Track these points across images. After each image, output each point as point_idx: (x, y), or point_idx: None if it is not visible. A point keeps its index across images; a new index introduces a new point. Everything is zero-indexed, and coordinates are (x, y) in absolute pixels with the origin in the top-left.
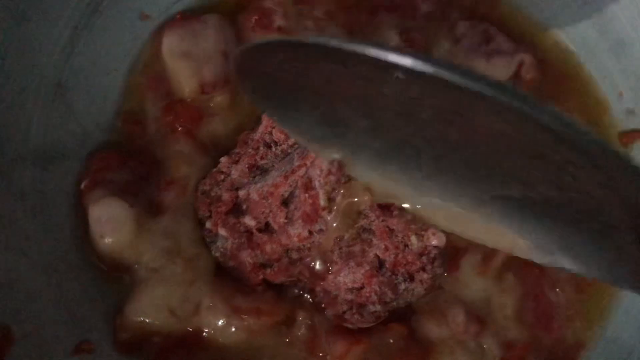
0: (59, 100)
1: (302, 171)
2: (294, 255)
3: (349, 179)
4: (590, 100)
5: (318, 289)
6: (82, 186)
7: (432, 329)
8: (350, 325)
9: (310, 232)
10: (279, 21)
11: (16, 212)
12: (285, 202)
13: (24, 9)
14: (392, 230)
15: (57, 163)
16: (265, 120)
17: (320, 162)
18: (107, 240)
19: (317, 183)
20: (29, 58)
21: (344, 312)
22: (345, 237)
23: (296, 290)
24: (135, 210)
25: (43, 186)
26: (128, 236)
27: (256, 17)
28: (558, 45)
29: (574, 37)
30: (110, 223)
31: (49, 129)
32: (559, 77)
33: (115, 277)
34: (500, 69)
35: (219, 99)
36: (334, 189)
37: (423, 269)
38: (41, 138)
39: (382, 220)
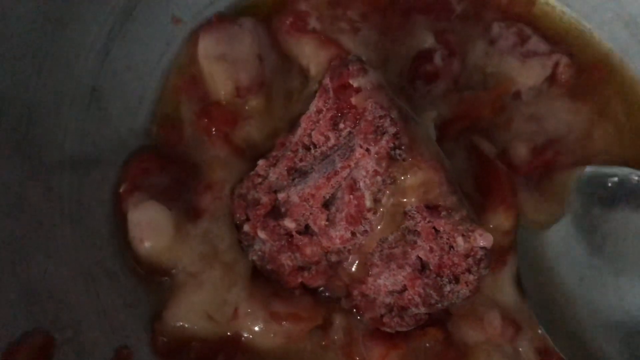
0: (94, 105)
1: (345, 172)
2: (333, 258)
3: (395, 180)
4: (632, 99)
5: (355, 292)
6: (121, 190)
7: (469, 333)
8: (388, 329)
9: (353, 234)
10: (313, 23)
11: (55, 218)
12: (327, 204)
13: (61, 15)
14: (438, 232)
15: (94, 169)
16: (305, 122)
17: (366, 162)
18: (147, 244)
19: (362, 184)
20: (65, 63)
21: (382, 316)
22: (389, 239)
23: (333, 294)
24: (174, 214)
25: (80, 192)
26: (167, 240)
27: (291, 20)
28: (595, 45)
29: (612, 36)
30: (150, 227)
31: (84, 135)
32: (596, 77)
33: (154, 282)
34: (536, 70)
35: (254, 102)
36: (380, 190)
37: (469, 271)
38: (78, 144)
39: (429, 222)
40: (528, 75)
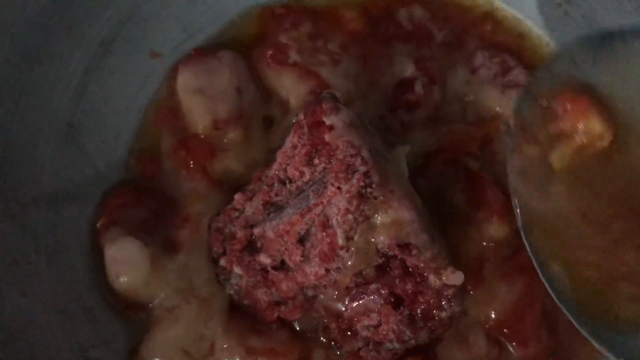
0: (71, 142)
1: (318, 209)
2: (310, 293)
3: (367, 218)
4: None
5: (333, 325)
6: (98, 225)
7: (454, 354)
8: None
9: (327, 270)
10: (294, 56)
11: (30, 255)
12: (301, 240)
13: (37, 52)
14: (410, 269)
15: (70, 205)
16: (280, 157)
17: (338, 200)
18: (123, 279)
19: (334, 221)
20: (41, 100)
21: (359, 349)
22: (363, 274)
23: (310, 328)
24: (150, 249)
25: (56, 228)
26: (143, 276)
27: (271, 52)
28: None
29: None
30: (126, 263)
31: (61, 171)
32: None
33: (130, 317)
34: (514, 101)
35: (232, 134)
36: (351, 228)
37: (442, 308)
38: (54, 180)
39: (401, 259)
40: (508, 106)
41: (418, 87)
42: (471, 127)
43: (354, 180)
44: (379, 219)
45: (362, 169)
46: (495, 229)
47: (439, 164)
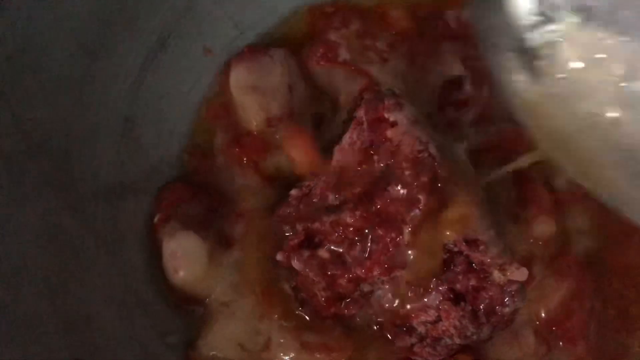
0: (128, 135)
1: (382, 205)
2: (366, 289)
3: (434, 213)
4: None
5: (388, 321)
6: (156, 220)
7: (504, 351)
8: (418, 359)
9: (390, 267)
10: (343, 54)
11: (90, 248)
12: (362, 236)
13: (96, 46)
14: (475, 265)
15: (127, 198)
16: (338, 153)
17: (404, 196)
18: (181, 274)
19: (400, 217)
20: (100, 94)
21: (413, 345)
22: (425, 271)
23: (365, 323)
24: (207, 243)
25: (114, 222)
26: (201, 270)
27: (321, 51)
28: None
29: None
30: (185, 257)
31: (118, 165)
32: None
33: (187, 311)
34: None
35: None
36: (418, 224)
37: (505, 304)
38: (112, 174)
39: (466, 255)
40: None
41: (467, 86)
42: (520, 127)
43: (422, 176)
44: (446, 215)
45: (430, 164)
46: (543, 227)
47: (488, 163)
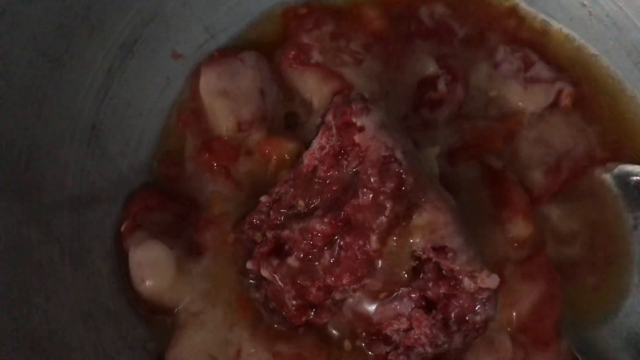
0: (94, 144)
1: (349, 212)
2: (338, 297)
3: (401, 220)
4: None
5: (361, 329)
6: (122, 228)
7: (481, 357)
8: None
9: (359, 274)
10: (316, 56)
11: (54, 259)
12: (331, 243)
13: (60, 54)
14: (444, 273)
15: (94, 208)
16: (307, 159)
17: (371, 202)
18: (148, 283)
19: (367, 224)
20: (65, 102)
21: (387, 353)
22: (395, 279)
23: (338, 332)
24: (175, 252)
25: (80, 232)
26: (169, 279)
27: (294, 53)
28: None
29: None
30: (152, 266)
31: (84, 174)
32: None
33: (155, 322)
34: (538, 97)
35: (256, 136)
36: (385, 231)
37: (476, 312)
38: (77, 183)
39: (435, 262)
40: (530, 101)
41: (441, 85)
42: (494, 123)
43: (388, 182)
44: (413, 221)
45: (396, 169)
46: (519, 229)
47: (462, 162)
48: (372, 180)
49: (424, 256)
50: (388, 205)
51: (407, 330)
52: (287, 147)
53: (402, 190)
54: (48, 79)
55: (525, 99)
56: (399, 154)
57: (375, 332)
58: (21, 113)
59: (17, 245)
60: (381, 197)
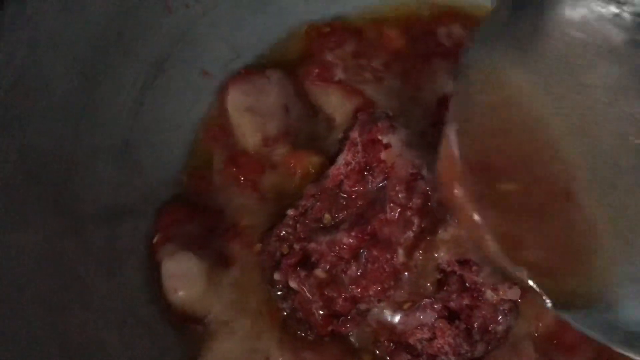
0: (127, 159)
1: (377, 226)
2: (363, 307)
3: (428, 235)
4: None
5: (383, 338)
6: (154, 241)
7: None
8: None
9: (385, 287)
10: (339, 74)
11: (90, 271)
12: (358, 256)
13: (96, 72)
14: (468, 285)
15: (126, 220)
16: (333, 174)
17: (398, 218)
18: (180, 294)
19: (394, 239)
20: (100, 118)
21: None
22: (420, 290)
23: (362, 341)
24: (205, 263)
25: (114, 244)
26: (200, 290)
27: (317, 70)
28: None
29: None
30: (184, 277)
31: (117, 187)
32: None
33: (187, 331)
34: None
35: (281, 150)
36: (411, 245)
37: (498, 322)
38: (111, 196)
39: (459, 275)
40: None
41: None
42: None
43: (416, 199)
44: (439, 235)
45: (423, 187)
46: None
47: None
48: (399, 196)
49: (449, 269)
50: (415, 221)
51: (430, 339)
52: (311, 160)
53: (429, 207)
54: (85, 96)
55: None
56: (425, 172)
57: (398, 341)
58: (60, 129)
59: (55, 257)
60: (408, 213)
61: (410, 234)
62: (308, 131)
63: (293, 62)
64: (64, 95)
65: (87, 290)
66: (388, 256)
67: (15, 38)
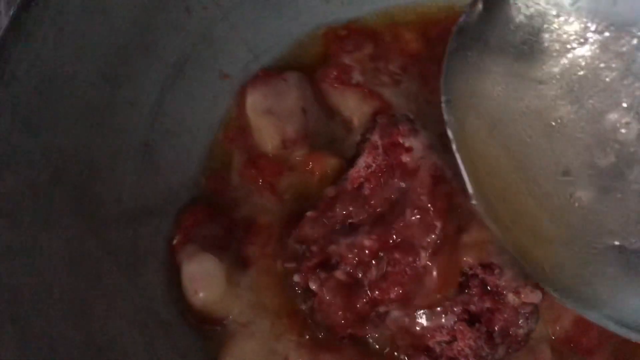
0: (147, 160)
1: (398, 228)
2: (382, 310)
3: (450, 237)
4: None
5: (401, 341)
6: (175, 242)
7: None
8: None
9: (406, 290)
10: (357, 77)
11: (112, 272)
12: (379, 259)
13: (117, 74)
14: (490, 288)
15: (147, 221)
16: (353, 176)
17: (421, 221)
18: (201, 295)
19: (416, 242)
20: (121, 120)
21: None
22: (441, 294)
23: (381, 343)
24: (225, 264)
25: (135, 245)
26: (220, 291)
27: (335, 73)
28: None
29: None
30: (204, 279)
31: (138, 189)
32: None
33: (206, 332)
34: None
35: (299, 152)
36: (434, 248)
37: (519, 325)
38: (132, 198)
39: (482, 278)
40: None
41: None
42: None
43: (439, 202)
44: (462, 239)
45: (446, 189)
46: None
47: None
48: (422, 199)
49: (471, 272)
50: (438, 225)
51: (450, 342)
52: (329, 162)
53: (453, 209)
54: (107, 99)
55: None
56: (448, 174)
57: (417, 343)
58: (83, 131)
59: (78, 258)
60: (431, 216)
61: (433, 237)
62: (326, 133)
63: (311, 65)
64: (86, 97)
65: (109, 291)
66: (410, 259)
67: (41, 39)
